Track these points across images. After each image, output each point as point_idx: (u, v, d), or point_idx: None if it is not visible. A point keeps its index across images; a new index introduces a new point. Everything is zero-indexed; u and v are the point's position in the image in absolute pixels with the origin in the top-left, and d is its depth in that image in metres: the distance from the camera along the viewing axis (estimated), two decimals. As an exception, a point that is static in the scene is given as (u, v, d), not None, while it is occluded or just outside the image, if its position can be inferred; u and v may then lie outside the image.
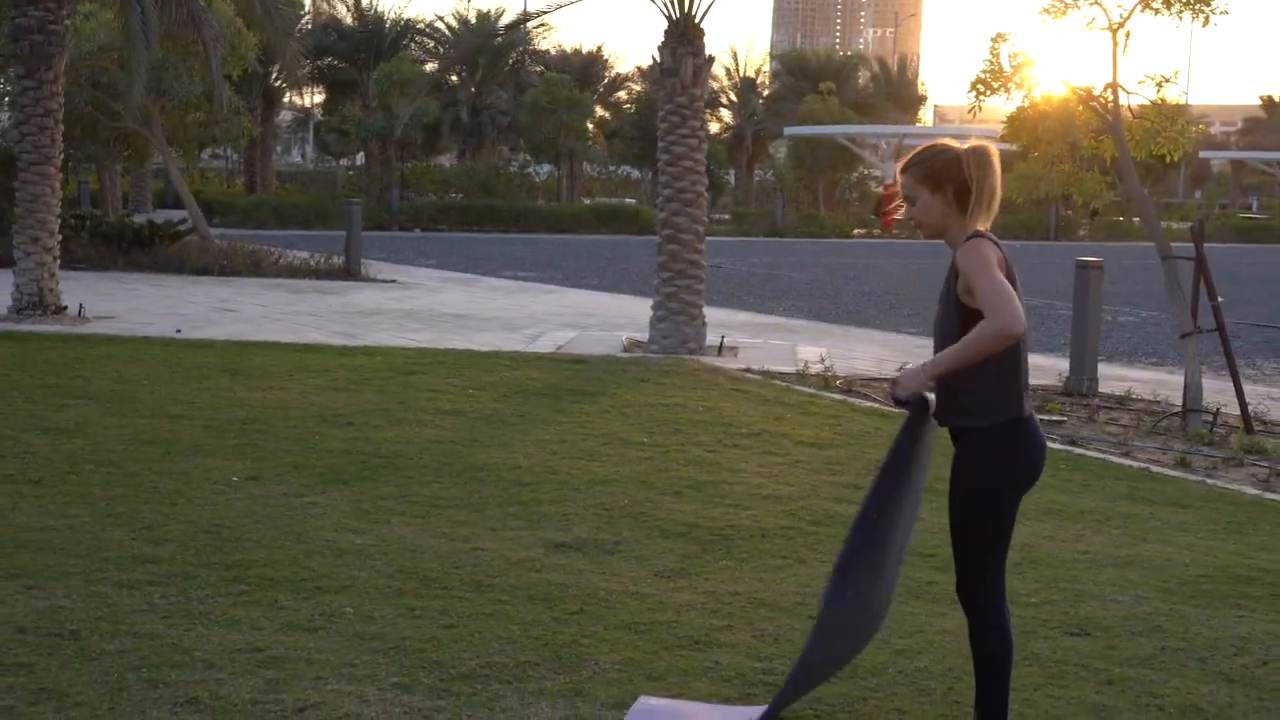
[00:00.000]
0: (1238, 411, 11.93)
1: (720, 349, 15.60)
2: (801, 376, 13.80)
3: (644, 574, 6.77)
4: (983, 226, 4.54)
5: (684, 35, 15.33)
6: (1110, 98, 12.26)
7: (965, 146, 4.57)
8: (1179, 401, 12.65)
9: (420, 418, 10.57)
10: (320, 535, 7.16)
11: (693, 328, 15.50)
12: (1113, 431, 11.75)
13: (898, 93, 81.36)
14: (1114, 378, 14.63)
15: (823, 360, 14.79)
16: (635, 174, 68.61)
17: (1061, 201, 60.27)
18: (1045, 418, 12.08)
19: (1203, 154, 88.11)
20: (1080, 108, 12.27)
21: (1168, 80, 12.32)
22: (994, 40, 12.42)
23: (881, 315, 21.85)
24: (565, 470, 8.98)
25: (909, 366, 4.43)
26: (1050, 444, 10.87)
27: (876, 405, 12.34)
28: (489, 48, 47.97)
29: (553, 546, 7.18)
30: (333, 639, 5.61)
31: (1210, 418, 11.88)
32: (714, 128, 69.82)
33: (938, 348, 4.57)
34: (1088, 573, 7.13)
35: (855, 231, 52.18)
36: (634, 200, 60.09)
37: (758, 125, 67.63)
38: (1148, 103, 12.19)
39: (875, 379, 13.94)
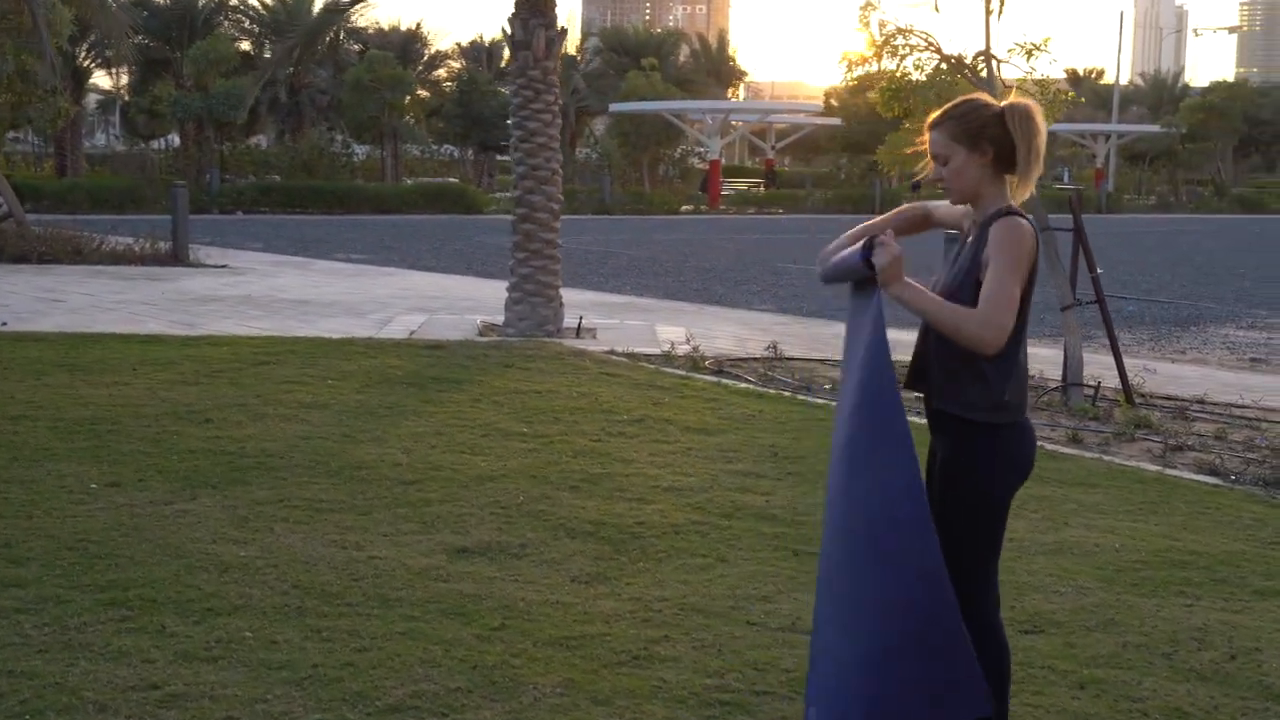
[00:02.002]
0: (1117, 384, 11.76)
1: (579, 331, 15.10)
2: (669, 358, 13.36)
3: (559, 580, 6.27)
4: (1023, 196, 4.11)
5: (536, 6, 14.75)
6: (983, 66, 12.00)
7: (1006, 103, 4.13)
8: (1056, 375, 12.48)
9: (282, 412, 9.91)
10: (199, 548, 6.52)
11: (550, 309, 14.98)
12: (996, 408, 11.48)
13: (717, 68, 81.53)
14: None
15: (688, 340, 14.36)
16: (457, 153, 67.60)
17: (886, 175, 60.89)
18: (925, 395, 11.80)
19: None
20: (954, 77, 11.97)
21: (1038, 49, 12.08)
22: (863, 9, 12.08)
23: (731, 292, 21.51)
24: (449, 466, 8.41)
25: (895, 254, 3.94)
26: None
27: (752, 386, 11.94)
28: (309, 25, 46.71)
29: (454, 552, 6.63)
30: (236, 670, 5.01)
31: (1091, 391, 11.69)
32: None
33: (927, 325, 4.14)
34: (1020, 562, 6.78)
35: (683, 208, 51.92)
36: (456, 180, 59.12)
37: (580, 102, 67.06)
38: (1029, 73, 11.95)
39: (744, 359, 13.55)
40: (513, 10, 14.90)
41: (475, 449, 8.94)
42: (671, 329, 15.96)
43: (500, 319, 15.43)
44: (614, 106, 58.31)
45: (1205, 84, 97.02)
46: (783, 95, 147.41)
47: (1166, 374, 13.64)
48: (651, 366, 12.81)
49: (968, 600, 4.17)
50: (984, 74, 11.89)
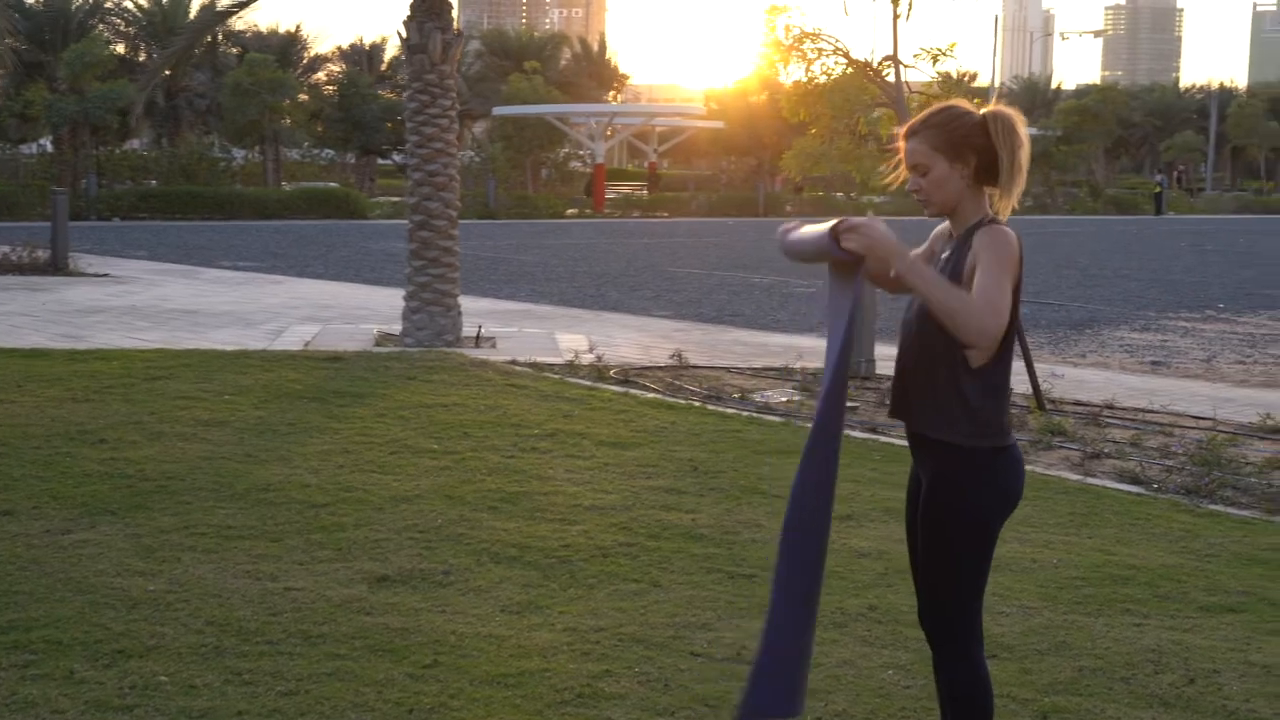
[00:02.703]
0: (1025, 390, 11.68)
1: (478, 340, 14.79)
2: (573, 368, 13.11)
3: (489, 610, 5.98)
4: (1006, 211, 3.89)
5: (432, 8, 14.41)
6: (890, 71, 11.87)
7: (987, 111, 3.91)
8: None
9: (180, 430, 9.51)
10: (104, 582, 6.15)
11: (449, 319, 14.65)
12: (908, 416, 11.34)
13: (598, 71, 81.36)
14: (886, 358, 14.26)
15: (591, 349, 14.09)
16: (337, 157, 66.72)
17: (768, 178, 61.08)
18: (850, 404, 11.63)
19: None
20: (860, 82, 11.83)
21: (944, 54, 11.99)
22: (770, 12, 11.90)
23: (626, 298, 21.27)
24: (360, 486, 8.08)
25: (879, 222, 3.68)
26: (853, 433, 10.51)
27: (660, 397, 11.71)
28: (199, 24, 45.73)
29: (375, 581, 6.32)
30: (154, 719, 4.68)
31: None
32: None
33: (907, 343, 3.92)
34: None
35: (568, 212, 51.64)
36: (337, 184, 58.37)
37: (463, 106, 66.51)
38: (937, 77, 11.84)
39: (649, 368, 13.32)
40: (408, 13, 14.55)
41: (386, 468, 8.62)
42: (572, 337, 15.69)
43: (397, 328, 15.07)
44: (497, 110, 57.90)
45: (1072, 87, 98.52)
46: (659, 98, 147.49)
47: (1072, 378, 13.60)
48: (556, 377, 12.54)
49: (951, 638, 3.96)
50: (891, 79, 11.75)
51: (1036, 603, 6.32)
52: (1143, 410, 11.72)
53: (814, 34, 11.72)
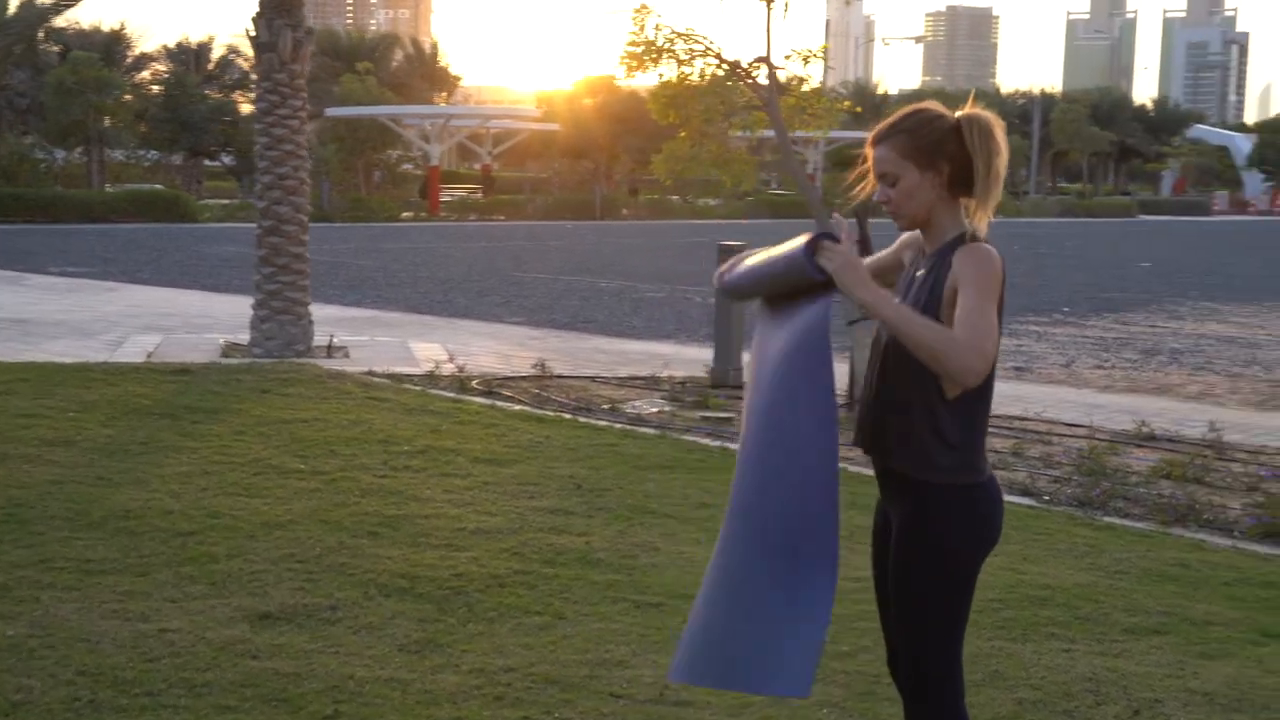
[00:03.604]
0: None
1: (330, 350, 14.26)
2: (434, 379, 12.64)
3: (386, 650, 5.54)
4: (984, 223, 3.57)
5: (282, 5, 13.84)
6: (759, 71, 11.61)
7: (962, 114, 3.58)
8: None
9: (24, 451, 8.89)
10: (-43, 627, 5.59)
11: (300, 327, 14.09)
12: (784, 427, 11.08)
13: (430, 73, 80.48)
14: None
15: (451, 359, 13.63)
16: (163, 158, 65.05)
17: (604, 180, 60.86)
18: (712, 414, 11.36)
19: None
20: (730, 83, 11.54)
21: (814, 55, 11.75)
22: (638, 11, 11.55)
23: (475, 304, 20.81)
24: (227, 512, 7.57)
25: (853, 261, 3.35)
26: (730, 445, 10.20)
27: (528, 409, 11.31)
28: (28, 19, 44.17)
29: (257, 619, 5.84)
30: (30, 790, 4.18)
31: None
32: (245, 109, 67.16)
33: (877, 372, 3.59)
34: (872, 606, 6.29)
35: (404, 215, 50.90)
36: (162, 186, 56.87)
37: (293, 106, 65.21)
38: (804, 79, 11.59)
39: (512, 378, 12.90)
40: (257, 10, 13.95)
41: (252, 490, 8.10)
42: (427, 346, 15.22)
43: (244, 338, 14.48)
44: (330, 111, 56.87)
45: (894, 92, 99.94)
46: (487, 100, 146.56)
47: (939, 386, 13.45)
48: (418, 388, 12.07)
49: (930, 690, 3.64)
50: (763, 80, 11.49)
51: (958, 628, 6.04)
52: (1017, 418, 11.59)
53: (686, 34, 11.40)
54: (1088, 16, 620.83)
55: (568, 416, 11.09)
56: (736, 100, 11.36)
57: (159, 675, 5.15)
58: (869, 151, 3.65)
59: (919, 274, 3.62)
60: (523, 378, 12.98)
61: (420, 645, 5.61)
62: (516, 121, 68.40)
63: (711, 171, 12.10)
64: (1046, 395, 13.18)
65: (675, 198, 63.56)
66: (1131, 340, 18.13)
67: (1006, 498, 8.64)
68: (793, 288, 3.52)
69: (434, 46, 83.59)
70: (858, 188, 3.76)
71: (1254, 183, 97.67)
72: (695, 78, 11.44)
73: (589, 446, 9.83)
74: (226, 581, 6.35)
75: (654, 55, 11.38)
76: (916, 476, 3.54)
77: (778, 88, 11.54)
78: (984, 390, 3.54)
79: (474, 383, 12.43)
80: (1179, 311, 22.35)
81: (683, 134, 12.05)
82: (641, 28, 11.53)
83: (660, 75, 11.53)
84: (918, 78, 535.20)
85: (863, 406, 3.69)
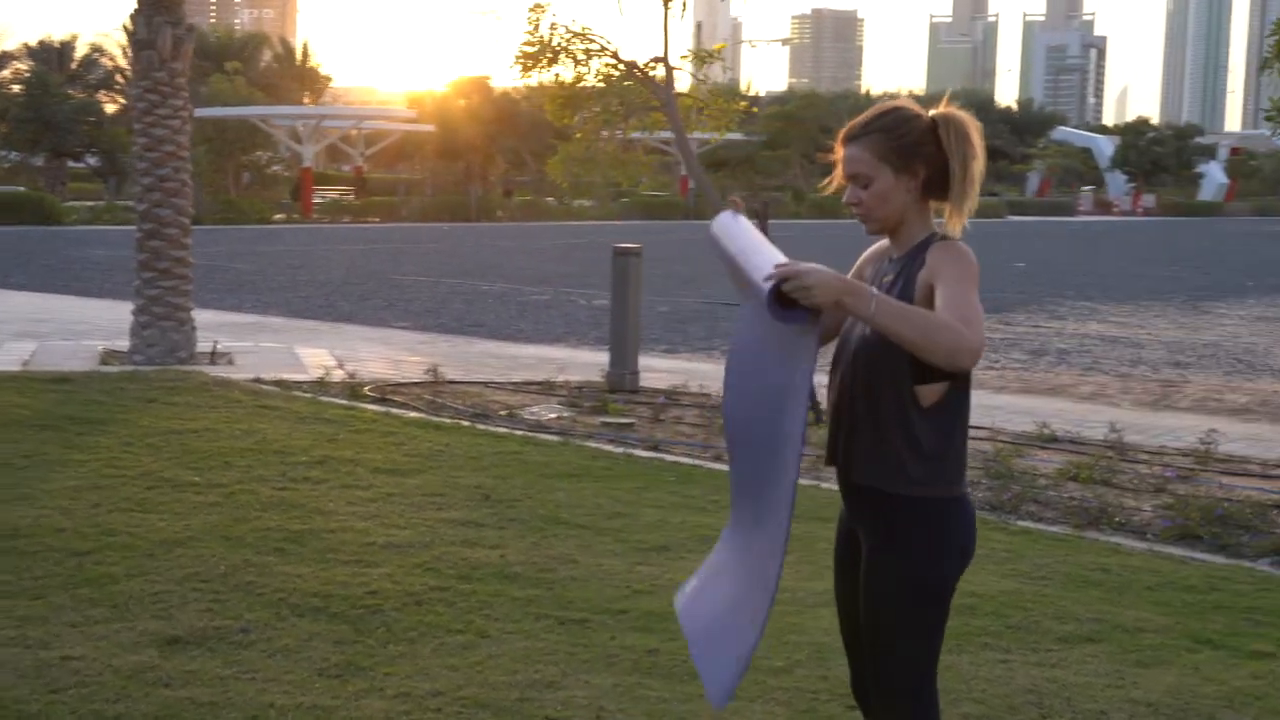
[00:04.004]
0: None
1: (213, 356, 13.88)
2: (324, 385, 12.33)
3: (305, 674, 5.29)
4: (958, 228, 3.41)
5: (161, 2, 13.42)
6: (661, 72, 11.45)
7: (938, 114, 3.42)
8: (717, 392, 12.07)
9: (-99, 467, 8.48)
10: None
11: (182, 334, 13.69)
12: (686, 432, 10.94)
13: (300, 73, 79.54)
14: (651, 369, 13.84)
15: (340, 365, 13.31)
16: (24, 159, 63.53)
17: (480, 181, 60.44)
18: (612, 420, 11.17)
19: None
20: (627, 83, 11.37)
21: (712, 56, 11.62)
22: (533, 10, 11.34)
23: (359, 308, 20.45)
24: (123, 529, 7.24)
25: (821, 268, 3.06)
26: (635, 451, 10.03)
27: (424, 416, 11.05)
28: None
29: (165, 644, 5.56)
30: (-63, 839, 3.89)
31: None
32: (109, 109, 65.89)
33: (846, 382, 3.41)
34: (806, 619, 6.16)
35: (276, 217, 50.12)
36: (24, 188, 55.51)
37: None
38: (702, 80, 11.45)
39: (404, 385, 12.62)
40: (135, 6, 13.52)
41: (147, 506, 7.78)
42: (313, 351, 14.88)
43: (124, 344, 14.04)
44: (199, 111, 55.80)
45: (762, 94, 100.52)
46: (354, 101, 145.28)
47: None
48: (308, 396, 11.76)
49: (902, 716, 3.47)
50: (662, 80, 11.33)
51: (891, 640, 5.91)
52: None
53: (583, 33, 11.20)
54: (950, 20, 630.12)
55: (466, 423, 10.85)
56: (635, 100, 11.19)
57: (66, 707, 4.86)
58: (839, 150, 3.48)
59: (886, 279, 3.45)
60: (415, 384, 12.70)
61: (340, 669, 5.36)
62: (390, 123, 67.74)
63: (608, 173, 11.91)
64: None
65: (550, 199, 63.32)
66: (1018, 341, 18.24)
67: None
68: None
69: (304, 47, 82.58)
70: (827, 184, 3.60)
71: (1117, 183, 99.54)
72: (592, 78, 11.24)
73: (492, 455, 9.60)
74: (129, 604, 6.05)
75: (550, 55, 11.16)
76: (889, 490, 3.38)
77: (675, 87, 11.39)
78: (961, 398, 3.39)
79: (366, 389, 12.13)
80: (1059, 311, 22.56)
81: (578, 135, 11.85)
82: (536, 27, 11.31)
83: (557, 76, 11.33)
84: (784, 80, 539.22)
85: (832, 417, 3.51)
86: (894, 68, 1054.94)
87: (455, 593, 6.37)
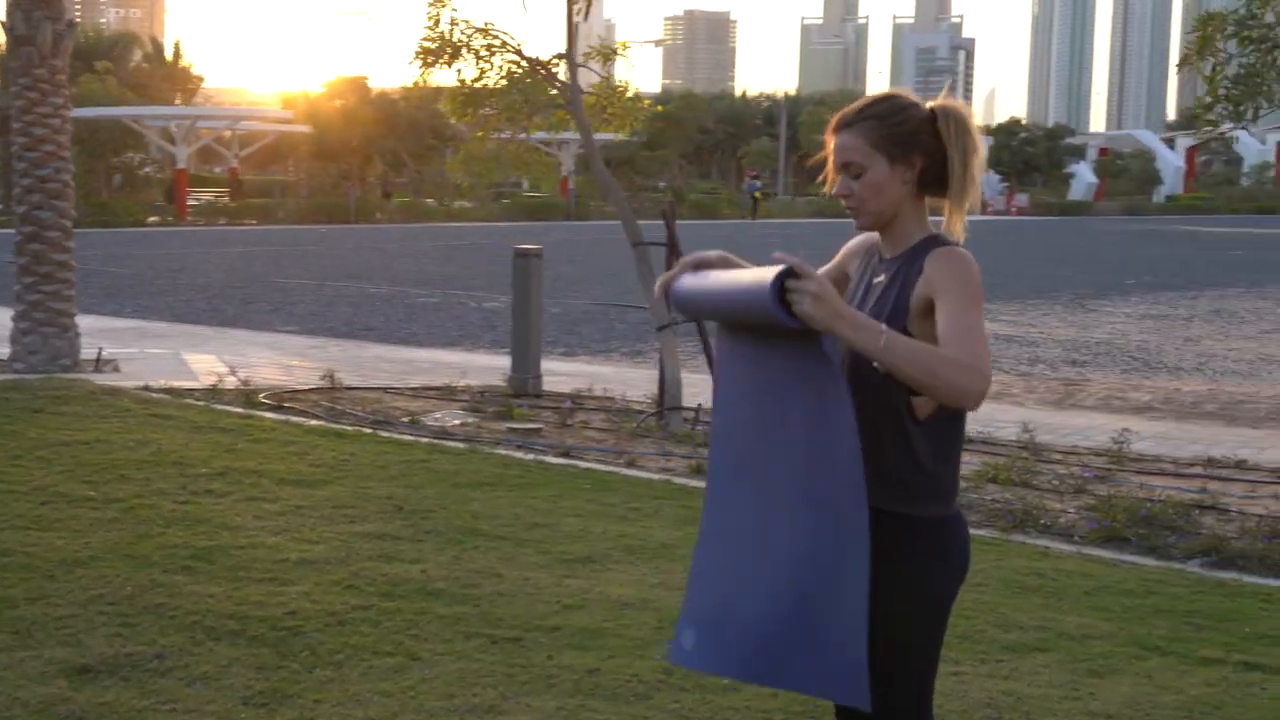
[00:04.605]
0: (698, 404, 11.22)
1: (98, 363, 13.39)
2: (217, 393, 11.92)
3: (228, 703, 4.98)
4: (959, 227, 3.22)
5: (41, -4, 12.93)
6: (558, 69, 11.20)
7: (936, 104, 3.22)
8: (623, 395, 11.94)
9: None
10: None
11: (66, 340, 13.21)
12: (595, 437, 10.70)
13: (172, 73, 78.21)
14: (553, 373, 13.55)
15: (233, 372, 12.89)
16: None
17: (358, 182, 59.74)
18: (518, 426, 10.90)
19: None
20: (530, 81, 11.10)
21: (617, 53, 11.39)
22: (433, 5, 11.03)
23: (243, 313, 19.96)
24: (19, 549, 6.86)
25: (829, 292, 2.83)
26: (546, 458, 9.77)
27: (324, 424, 10.71)
28: None
29: (75, 673, 5.22)
30: None
31: (692, 415, 11.07)
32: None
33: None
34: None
35: (150, 219, 49.10)
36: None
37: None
38: (606, 77, 11.22)
39: (300, 391, 12.25)
40: (13, 0, 13.01)
41: (42, 523, 7.39)
42: (202, 357, 14.45)
43: (3, 352, 13.50)
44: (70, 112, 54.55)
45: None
46: (226, 101, 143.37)
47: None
48: (202, 404, 11.36)
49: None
50: (566, 78, 11.08)
51: (836, 653, 5.71)
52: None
53: (485, 29, 10.90)
54: (821, 21, 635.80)
55: (368, 431, 10.53)
56: (540, 99, 10.92)
57: (-26, 747, 4.52)
58: (829, 139, 3.27)
59: (877, 280, 3.24)
60: (312, 390, 12.34)
61: (266, 697, 5.06)
62: (265, 124, 66.70)
63: (513, 172, 11.61)
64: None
65: (430, 201, 62.80)
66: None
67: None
68: (762, 324, 3.10)
69: (176, 46, 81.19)
70: (820, 179, 3.38)
71: (991, 184, 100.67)
72: (495, 76, 10.95)
73: (399, 464, 9.29)
74: (32, 630, 5.69)
75: (451, 51, 10.85)
76: (886, 507, 3.17)
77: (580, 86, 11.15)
78: (959, 412, 3.19)
79: (262, 397, 11.75)
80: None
81: (480, 134, 11.55)
82: (436, 22, 11.00)
83: (459, 73, 11.02)
84: (658, 81, 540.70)
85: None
86: (767, 69, 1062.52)
87: (379, 611, 6.08)
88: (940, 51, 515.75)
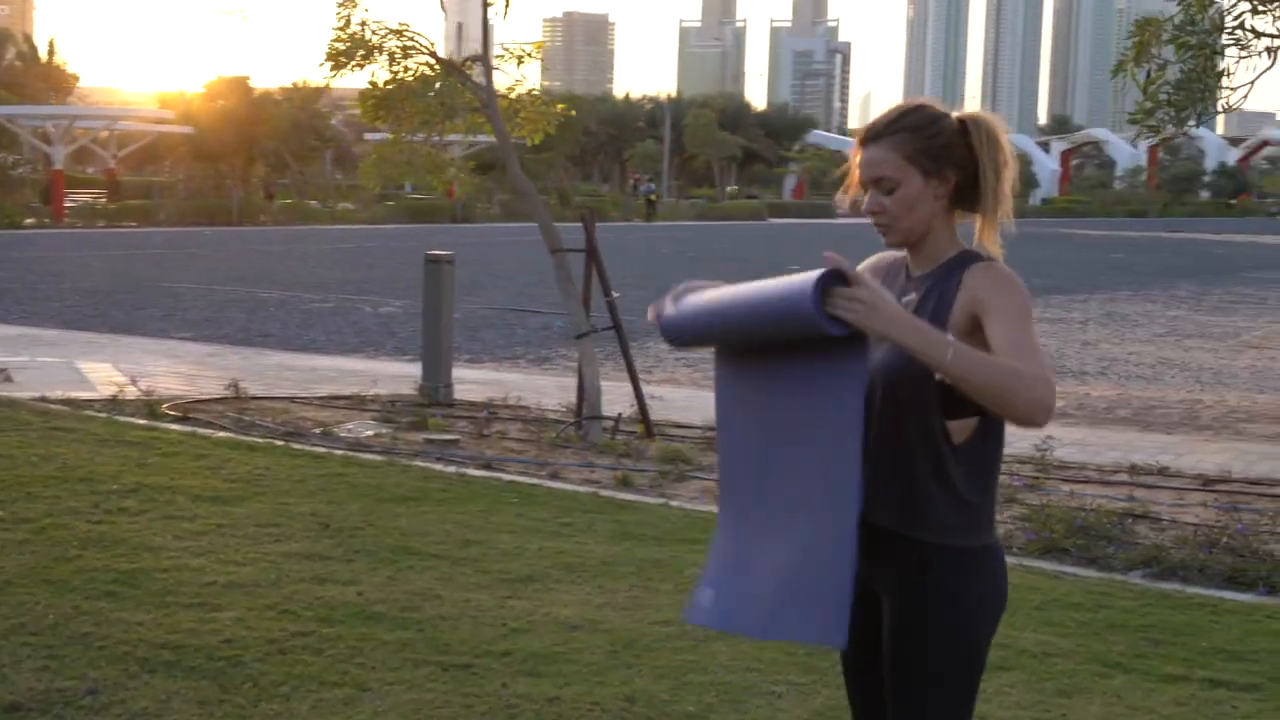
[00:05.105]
0: (621, 412, 11.05)
1: (-10, 373, 12.92)
2: (118, 404, 11.53)
3: (172, 742, 4.71)
4: (993, 243, 3.06)
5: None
6: (473, 71, 10.97)
7: (966, 115, 3.06)
8: (537, 404, 11.73)
9: None
10: None
11: (-46, 349, 12.72)
12: (514, 448, 10.47)
13: (46, 71, 76.61)
14: (466, 381, 13.27)
15: (134, 381, 12.46)
16: None
17: (239, 184, 58.80)
18: (435, 437, 10.64)
19: (373, 136, 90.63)
20: (443, 83, 10.84)
21: (529, 55, 11.17)
22: (343, 5, 10.74)
23: (134, 319, 19.42)
24: (-72, 574, 6.51)
25: (884, 298, 2.74)
26: (468, 471, 9.52)
27: (233, 435, 10.38)
28: None
29: (4, 711, 4.92)
30: None
31: (611, 424, 10.88)
32: None
33: (874, 418, 3.00)
34: (701, 655, 5.77)
35: (27, 221, 47.87)
36: None
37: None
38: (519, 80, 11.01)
39: (205, 401, 11.88)
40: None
41: (-50, 546, 7.03)
42: (96, 366, 14.01)
43: (-112, 362, 12.99)
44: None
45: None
46: (100, 101, 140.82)
47: (649, 395, 13.04)
48: (103, 415, 10.95)
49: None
50: (481, 80, 10.85)
51: (799, 676, 5.56)
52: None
53: (399, 29, 10.62)
54: (700, 24, 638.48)
55: (280, 443, 10.21)
56: (456, 101, 10.66)
57: (-95, 797, 4.21)
58: (857, 152, 3.09)
59: (907, 299, 3.07)
60: (217, 400, 11.98)
61: (213, 734, 4.79)
62: (144, 124, 65.39)
63: (425, 177, 11.35)
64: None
65: (313, 202, 61.96)
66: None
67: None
68: (786, 339, 2.93)
69: (51, 44, 79.55)
70: (839, 195, 3.21)
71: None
72: (408, 78, 10.66)
73: (316, 478, 9.00)
74: (-48, 664, 5.37)
75: (364, 53, 10.57)
76: (925, 539, 3.01)
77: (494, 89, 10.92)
78: (996, 433, 3.03)
79: (165, 407, 11.38)
80: (848, 314, 22.52)
81: (391, 136, 11.27)
82: (346, 22, 10.71)
83: (372, 75, 10.74)
84: (537, 83, 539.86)
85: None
86: (645, 71, 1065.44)
87: (319, 638, 5.82)
88: (817, 55, 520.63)
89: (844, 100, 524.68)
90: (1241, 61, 7.47)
